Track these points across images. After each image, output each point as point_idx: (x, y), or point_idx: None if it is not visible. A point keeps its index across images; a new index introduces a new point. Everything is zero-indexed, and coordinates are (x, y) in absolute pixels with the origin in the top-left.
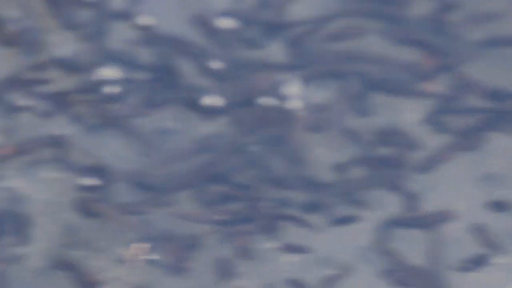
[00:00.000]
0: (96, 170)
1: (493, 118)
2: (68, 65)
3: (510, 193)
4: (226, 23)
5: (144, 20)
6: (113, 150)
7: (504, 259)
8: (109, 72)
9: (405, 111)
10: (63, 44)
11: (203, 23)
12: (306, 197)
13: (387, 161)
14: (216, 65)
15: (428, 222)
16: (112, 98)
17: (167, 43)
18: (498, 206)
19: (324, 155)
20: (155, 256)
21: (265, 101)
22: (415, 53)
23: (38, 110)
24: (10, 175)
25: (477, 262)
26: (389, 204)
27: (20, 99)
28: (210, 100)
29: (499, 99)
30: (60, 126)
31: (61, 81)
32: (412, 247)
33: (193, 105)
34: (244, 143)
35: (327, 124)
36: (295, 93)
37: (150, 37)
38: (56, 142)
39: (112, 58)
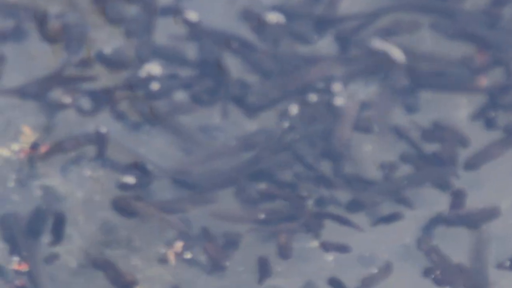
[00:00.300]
0: (137, 167)
1: None
2: (113, 62)
3: None
4: (274, 17)
5: (191, 15)
6: (156, 148)
7: None
8: (154, 68)
9: (455, 107)
10: (108, 40)
11: (251, 18)
12: (350, 195)
13: (435, 158)
14: (263, 60)
15: (473, 220)
16: (157, 95)
17: (214, 38)
18: None
19: (371, 152)
20: (194, 255)
21: (313, 97)
22: (467, 48)
23: (81, 107)
24: (49, 173)
25: None
26: (435, 202)
27: (63, 96)
28: (255, 96)
29: None
30: (103, 123)
31: (105, 78)
32: (457, 244)
33: (239, 102)
34: (289, 140)
35: (374, 120)
36: (343, 89)
37: (196, 32)
38: (98, 139)
39: (158, 54)
